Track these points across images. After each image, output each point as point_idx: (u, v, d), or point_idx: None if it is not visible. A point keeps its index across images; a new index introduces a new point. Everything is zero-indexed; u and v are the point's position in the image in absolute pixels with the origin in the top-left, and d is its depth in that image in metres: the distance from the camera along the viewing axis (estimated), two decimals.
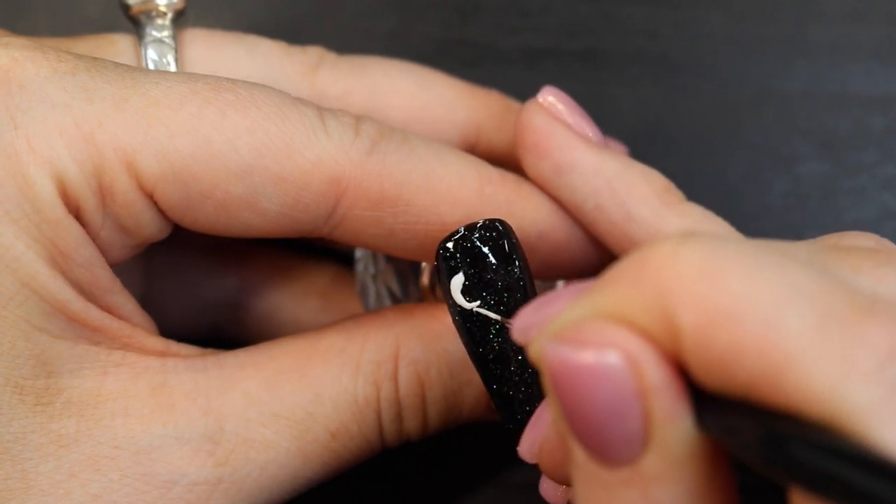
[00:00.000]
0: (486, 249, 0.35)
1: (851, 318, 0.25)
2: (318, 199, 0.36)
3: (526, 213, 0.39)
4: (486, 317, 0.35)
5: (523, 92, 0.41)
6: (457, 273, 0.35)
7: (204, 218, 0.36)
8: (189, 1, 0.41)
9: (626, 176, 0.38)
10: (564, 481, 0.33)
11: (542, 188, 0.39)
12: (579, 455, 0.28)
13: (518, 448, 0.35)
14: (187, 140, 0.35)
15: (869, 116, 0.51)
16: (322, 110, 0.37)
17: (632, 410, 0.27)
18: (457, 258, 0.35)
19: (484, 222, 0.35)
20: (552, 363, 0.27)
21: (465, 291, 0.35)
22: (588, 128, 0.39)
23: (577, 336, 0.27)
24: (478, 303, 0.35)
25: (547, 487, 0.34)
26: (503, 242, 0.35)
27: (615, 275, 0.27)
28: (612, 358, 0.27)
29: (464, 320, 0.35)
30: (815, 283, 0.26)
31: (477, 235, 0.35)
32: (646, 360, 0.27)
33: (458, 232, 0.35)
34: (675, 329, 0.26)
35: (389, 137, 0.37)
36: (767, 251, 0.27)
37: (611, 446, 0.27)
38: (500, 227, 0.35)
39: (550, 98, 0.39)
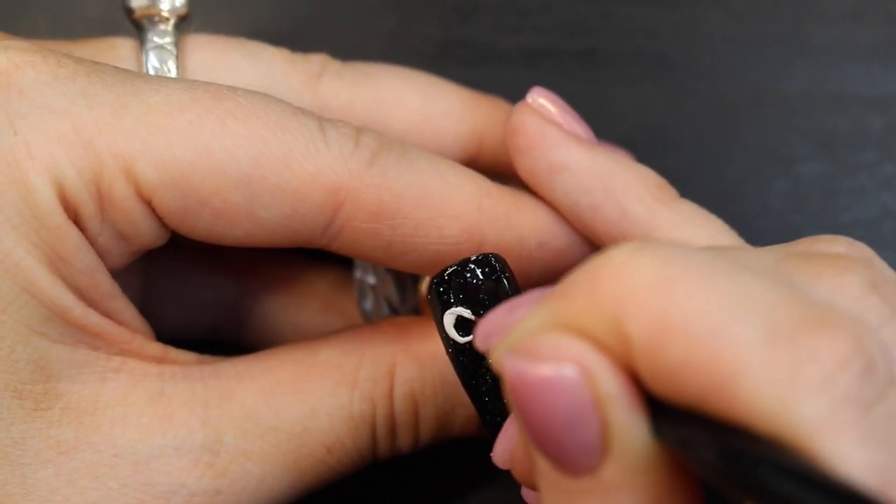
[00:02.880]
0: (480, 284, 0.35)
1: (800, 330, 0.25)
2: (316, 210, 0.36)
3: (525, 223, 0.38)
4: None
5: (522, 92, 0.41)
6: (450, 307, 0.35)
7: (201, 226, 0.36)
8: (191, 3, 0.41)
9: (619, 174, 0.38)
10: (535, 487, 0.33)
11: (535, 190, 0.39)
12: (542, 464, 0.29)
13: (492, 454, 0.35)
14: (186, 148, 0.35)
15: (868, 116, 0.51)
16: (322, 121, 0.37)
17: (589, 421, 0.27)
18: (450, 293, 0.35)
19: (477, 257, 0.35)
20: (511, 376, 0.28)
21: (458, 326, 0.35)
22: (579, 127, 0.39)
23: (534, 349, 0.28)
24: (471, 337, 0.35)
25: (528, 494, 0.35)
26: (498, 276, 0.35)
27: (570, 284, 0.28)
28: (567, 371, 0.27)
29: (457, 354, 0.35)
30: (767, 294, 0.26)
31: (471, 269, 0.35)
32: (600, 371, 0.27)
33: (451, 266, 0.35)
34: (627, 340, 0.26)
35: (389, 150, 0.37)
36: (721, 261, 0.27)
37: (570, 456, 0.28)
38: (494, 262, 0.35)
39: (540, 99, 0.39)
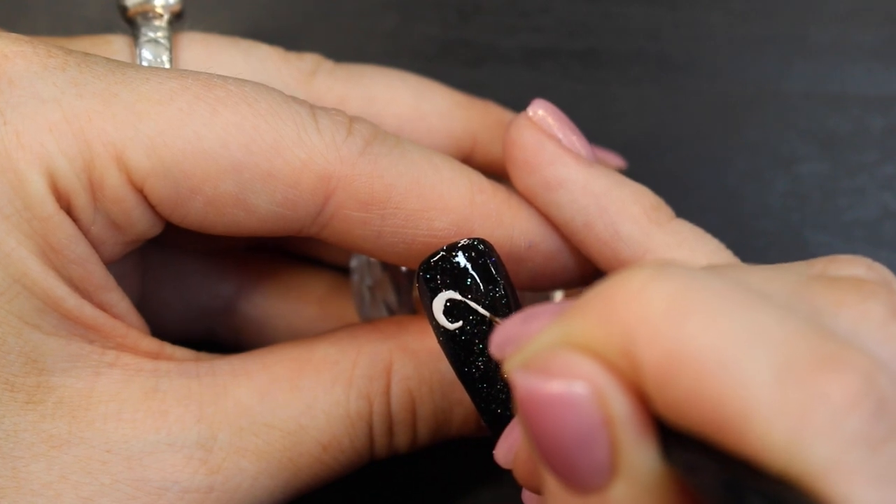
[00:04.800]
0: (467, 269, 0.35)
1: (811, 368, 0.25)
2: (307, 197, 0.36)
3: (516, 222, 0.38)
4: (471, 336, 0.35)
5: (523, 92, 0.41)
6: (438, 294, 0.35)
7: (193, 214, 0.36)
8: (187, 2, 0.41)
9: (615, 194, 0.38)
10: (537, 490, 0.33)
11: (530, 203, 0.39)
12: (550, 480, 0.28)
13: (494, 452, 0.35)
14: (177, 135, 0.34)
15: (869, 116, 0.51)
16: (315, 108, 0.37)
17: (598, 440, 0.27)
18: (437, 279, 0.35)
19: (465, 242, 0.35)
20: (521, 392, 0.27)
21: (448, 312, 0.35)
22: (578, 143, 0.38)
23: (546, 366, 0.27)
24: (460, 323, 0.35)
25: (529, 496, 0.34)
26: (485, 261, 0.35)
27: (585, 303, 0.27)
28: (578, 388, 0.27)
29: (448, 341, 0.35)
30: (780, 328, 0.25)
31: (458, 255, 0.35)
32: (611, 391, 0.27)
33: (438, 252, 0.35)
34: (638, 366, 0.26)
35: (382, 139, 0.37)
36: (736, 289, 0.26)
37: (579, 474, 0.27)
38: (482, 247, 0.35)
39: (541, 112, 0.39)
